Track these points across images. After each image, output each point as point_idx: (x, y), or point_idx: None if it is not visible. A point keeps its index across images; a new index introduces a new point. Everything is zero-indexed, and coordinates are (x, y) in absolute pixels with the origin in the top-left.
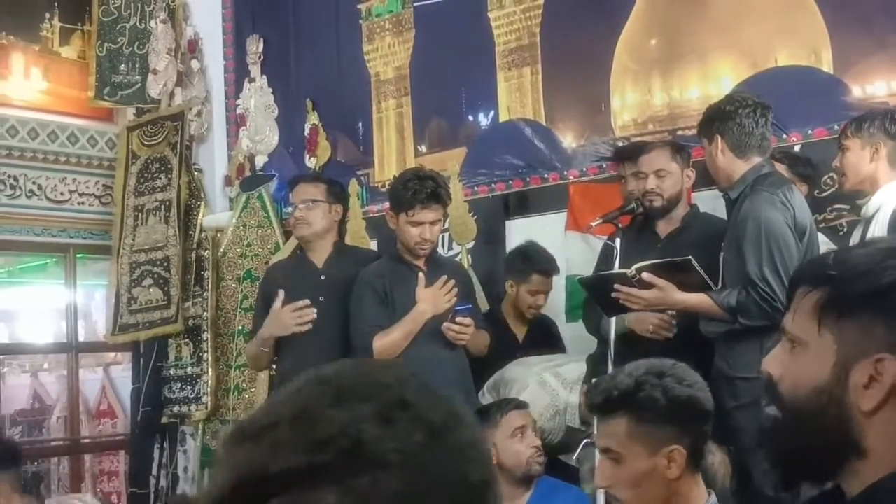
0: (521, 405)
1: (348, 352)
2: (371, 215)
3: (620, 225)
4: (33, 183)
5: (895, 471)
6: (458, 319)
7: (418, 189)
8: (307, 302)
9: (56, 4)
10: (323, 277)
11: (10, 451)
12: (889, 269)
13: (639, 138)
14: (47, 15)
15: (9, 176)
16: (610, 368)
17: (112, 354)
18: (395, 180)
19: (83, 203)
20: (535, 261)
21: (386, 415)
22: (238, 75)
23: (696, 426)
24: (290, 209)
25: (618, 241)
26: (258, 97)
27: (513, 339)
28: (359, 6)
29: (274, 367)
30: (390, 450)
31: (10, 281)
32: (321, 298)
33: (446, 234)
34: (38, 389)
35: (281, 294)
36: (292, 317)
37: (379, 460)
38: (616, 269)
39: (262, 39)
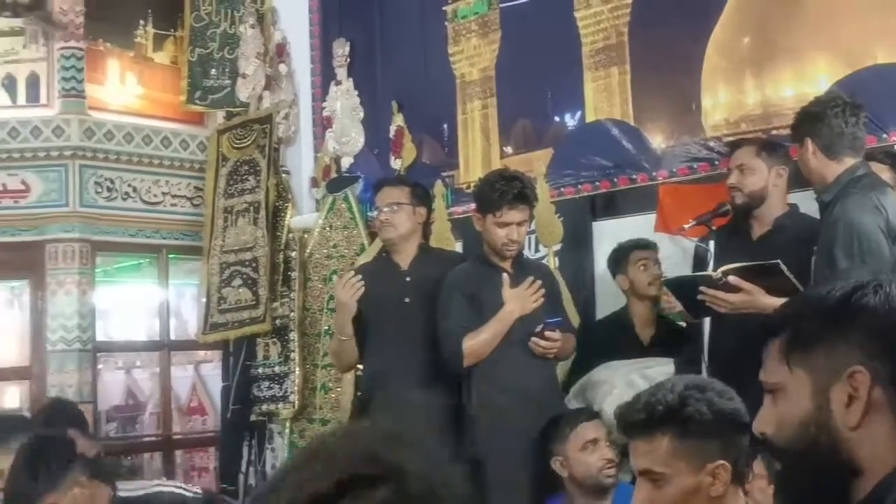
0: (592, 416)
1: (433, 353)
2: (456, 217)
3: (714, 227)
4: (128, 185)
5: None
6: (547, 334)
7: (505, 190)
8: (352, 273)
9: (150, 12)
10: (408, 279)
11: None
12: (836, 290)
13: (731, 138)
14: (142, 22)
15: (106, 179)
16: (703, 370)
17: (202, 353)
18: (481, 181)
19: (175, 205)
20: (630, 243)
21: None
22: (324, 78)
23: (739, 440)
24: (375, 212)
25: (711, 243)
26: (344, 100)
27: (639, 345)
28: (444, 8)
29: (360, 367)
30: None
31: (106, 280)
32: (406, 300)
33: (532, 236)
34: (131, 386)
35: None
36: (345, 291)
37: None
38: (709, 271)
39: (348, 43)
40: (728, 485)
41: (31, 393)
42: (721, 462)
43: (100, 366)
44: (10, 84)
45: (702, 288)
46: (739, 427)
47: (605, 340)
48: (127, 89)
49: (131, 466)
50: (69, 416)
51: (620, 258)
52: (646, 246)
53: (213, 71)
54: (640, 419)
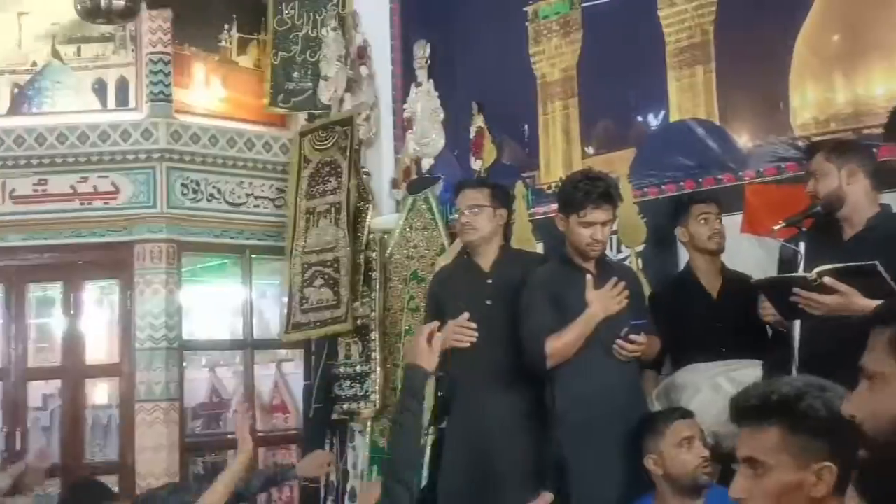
0: (686, 414)
1: (515, 354)
2: (536, 217)
3: (804, 228)
4: (213, 187)
5: None
6: (632, 337)
7: (590, 189)
8: (467, 316)
9: (234, 16)
10: (490, 282)
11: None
12: None
13: (820, 137)
14: (226, 26)
15: (191, 181)
16: (794, 374)
17: (284, 351)
18: (564, 181)
19: (258, 206)
20: (691, 196)
21: None
22: (405, 80)
23: (851, 447)
24: (455, 214)
25: (802, 244)
26: (425, 101)
27: (706, 298)
28: (525, 9)
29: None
30: None
31: (191, 280)
32: (488, 302)
33: (614, 237)
34: (215, 384)
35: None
36: (454, 331)
37: None
38: (800, 272)
39: (428, 44)
40: (831, 488)
41: (120, 390)
42: (828, 464)
43: (185, 364)
44: (100, 89)
45: (795, 290)
46: (854, 434)
47: (674, 300)
48: (212, 93)
49: (215, 464)
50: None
51: (681, 211)
52: (707, 199)
53: (296, 74)
54: (753, 405)
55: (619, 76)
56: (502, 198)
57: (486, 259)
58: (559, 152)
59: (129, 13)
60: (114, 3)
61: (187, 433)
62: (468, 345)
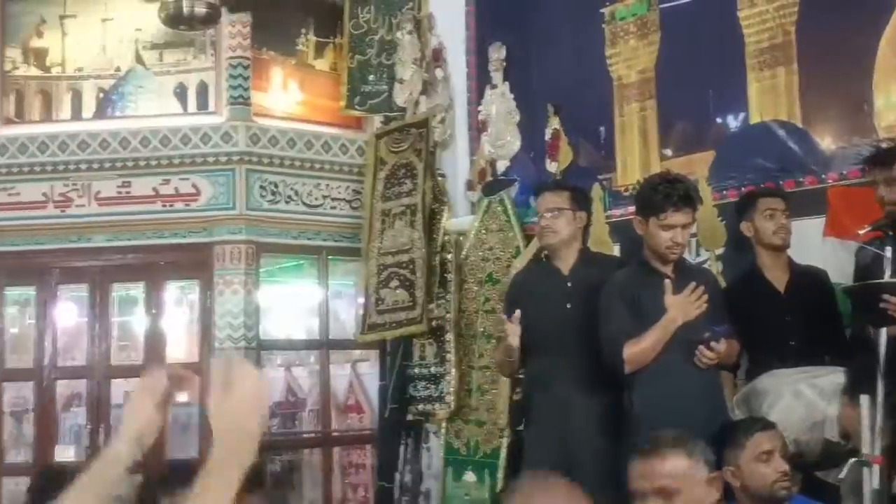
0: (768, 426)
1: (593, 357)
2: (613, 220)
3: (891, 232)
4: (291, 189)
5: None
6: (712, 345)
7: (669, 192)
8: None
9: (311, 20)
10: (569, 285)
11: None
12: None
13: None
14: (303, 30)
15: (270, 182)
16: (879, 381)
17: (359, 352)
18: (643, 184)
19: (335, 207)
20: (758, 190)
21: None
22: (480, 82)
23: None
24: (534, 218)
25: (889, 249)
26: (500, 103)
27: (774, 293)
28: (602, 10)
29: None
30: None
31: (269, 280)
32: (568, 305)
33: (693, 240)
34: (291, 383)
35: (517, 313)
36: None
37: None
38: (886, 278)
39: (504, 46)
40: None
41: (199, 388)
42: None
43: (264, 364)
44: (181, 93)
45: (885, 296)
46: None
47: (741, 297)
48: (289, 96)
49: (291, 462)
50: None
51: (747, 205)
52: (774, 194)
53: (372, 77)
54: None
55: (697, 77)
56: (582, 201)
57: (566, 262)
58: (636, 154)
59: (210, 19)
60: (196, 10)
61: (265, 431)
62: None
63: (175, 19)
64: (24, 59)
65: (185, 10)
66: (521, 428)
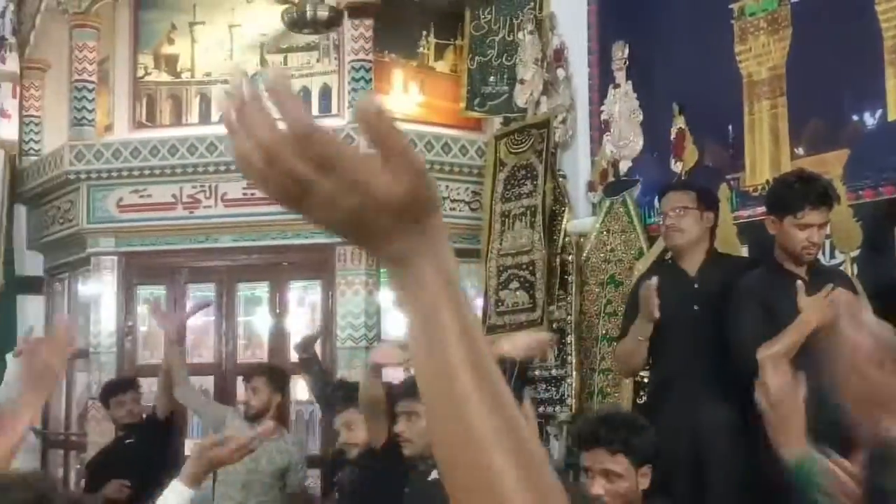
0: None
1: (724, 363)
2: (741, 221)
3: None
4: None
5: None
6: None
7: (806, 190)
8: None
9: (432, 23)
10: (696, 286)
11: None
12: None
13: None
14: (424, 32)
15: None
16: None
17: None
18: (777, 182)
19: (454, 209)
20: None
21: None
22: (602, 82)
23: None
24: (659, 217)
25: None
26: (623, 103)
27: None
28: (731, 6)
29: (643, 374)
30: None
31: (388, 281)
32: (695, 307)
33: (827, 242)
34: None
35: (654, 280)
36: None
37: None
38: None
39: (627, 45)
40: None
41: None
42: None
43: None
44: (304, 96)
45: None
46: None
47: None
48: (410, 98)
49: None
50: None
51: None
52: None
53: (492, 78)
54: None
55: (830, 74)
56: (709, 201)
57: (693, 263)
58: (766, 153)
59: (332, 23)
60: (318, 14)
61: None
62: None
63: (298, 23)
64: (155, 65)
65: (308, 14)
66: None
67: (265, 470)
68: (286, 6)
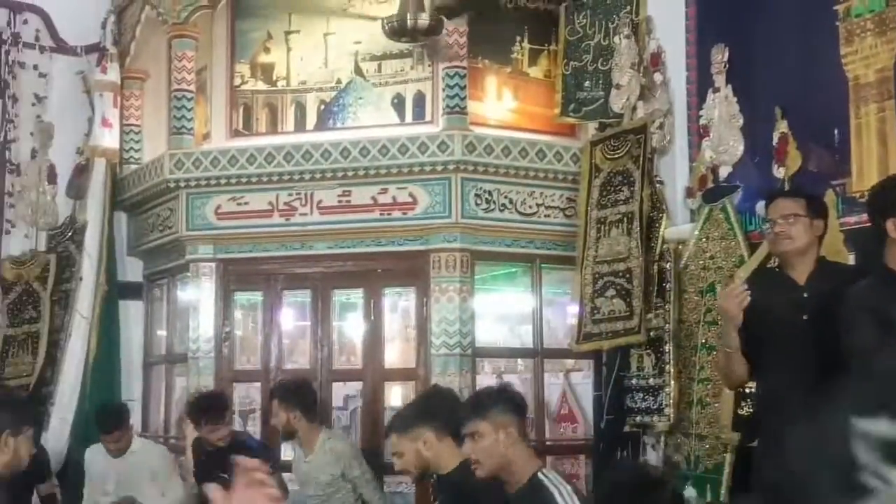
0: None
1: (833, 371)
2: (848, 227)
3: None
4: (505, 197)
5: None
6: None
7: None
8: (737, 283)
9: (526, 28)
10: (805, 295)
11: None
12: None
13: None
14: (518, 38)
15: (484, 191)
16: None
17: (571, 361)
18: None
19: (549, 216)
20: None
21: None
22: (701, 86)
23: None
24: (761, 224)
25: None
26: (722, 107)
27: None
28: (835, 7)
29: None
30: None
31: (482, 288)
32: (804, 317)
33: None
34: None
35: (738, 282)
36: (730, 301)
37: None
38: None
39: (727, 48)
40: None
41: (416, 393)
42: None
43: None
44: (398, 103)
45: None
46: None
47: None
48: (504, 104)
49: None
50: None
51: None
52: None
53: (587, 83)
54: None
55: None
56: (819, 208)
57: (801, 272)
58: (874, 158)
59: (432, 31)
60: (419, 22)
61: None
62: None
63: (398, 32)
64: (251, 74)
65: (409, 22)
66: (752, 444)
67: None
68: (385, 16)
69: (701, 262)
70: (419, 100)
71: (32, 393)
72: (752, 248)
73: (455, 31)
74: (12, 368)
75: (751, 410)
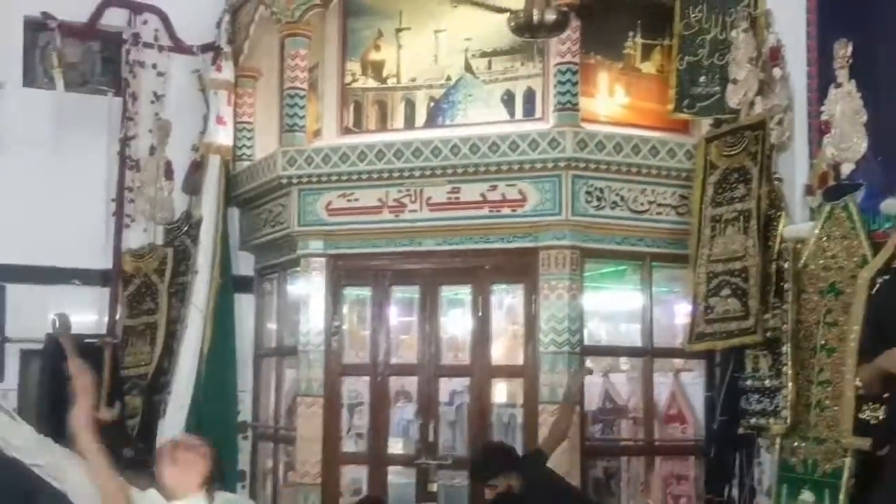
0: None
1: None
2: None
3: None
4: (616, 194)
5: None
6: None
7: None
8: None
9: (639, 23)
10: None
11: None
12: None
13: None
14: (630, 33)
15: (596, 188)
16: None
17: (681, 361)
18: None
19: (660, 213)
20: None
21: None
22: (822, 81)
23: None
24: (886, 225)
25: None
26: (845, 103)
27: None
28: None
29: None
30: None
31: (591, 286)
32: None
33: None
34: (609, 389)
35: None
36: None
37: None
38: None
39: (850, 43)
40: None
41: (523, 390)
42: None
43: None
44: (508, 100)
45: None
46: None
47: None
48: (616, 100)
49: (608, 469)
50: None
51: None
52: None
53: (702, 78)
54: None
55: None
56: None
57: None
58: None
59: (559, 26)
60: (546, 18)
61: (587, 437)
62: None
63: (524, 28)
64: (362, 72)
65: (535, 18)
66: (883, 452)
67: None
68: (511, 11)
69: (821, 262)
70: (529, 96)
71: (150, 382)
72: (876, 247)
73: (568, 28)
74: (131, 358)
75: (880, 416)
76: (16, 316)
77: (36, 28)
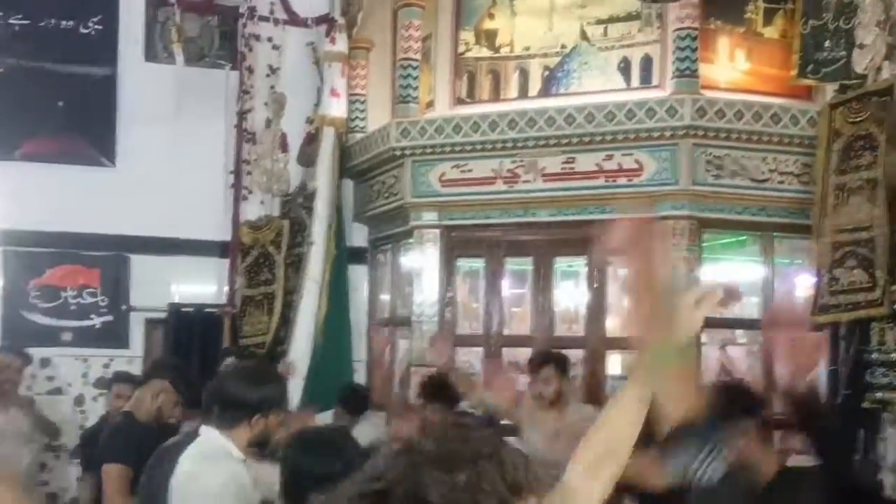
0: None
1: None
2: None
3: None
4: (737, 163)
5: None
6: None
7: None
8: None
9: None
10: None
11: None
12: None
13: None
14: None
15: (715, 157)
16: None
17: None
18: None
19: (782, 182)
20: None
21: None
22: None
23: None
24: None
25: None
26: None
27: None
28: None
29: None
30: None
31: (709, 257)
32: None
33: None
34: (724, 363)
35: None
36: None
37: None
38: None
39: None
40: None
41: None
42: None
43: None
44: (624, 67)
45: None
46: None
47: None
48: (736, 66)
49: None
50: None
51: None
52: None
53: (827, 43)
54: None
55: None
56: None
57: None
58: None
59: None
60: None
61: None
62: None
63: None
64: (476, 41)
65: None
66: None
67: None
68: None
69: None
70: (646, 63)
71: (268, 350)
72: None
73: None
74: (249, 327)
75: None
76: (139, 286)
77: (157, 4)
